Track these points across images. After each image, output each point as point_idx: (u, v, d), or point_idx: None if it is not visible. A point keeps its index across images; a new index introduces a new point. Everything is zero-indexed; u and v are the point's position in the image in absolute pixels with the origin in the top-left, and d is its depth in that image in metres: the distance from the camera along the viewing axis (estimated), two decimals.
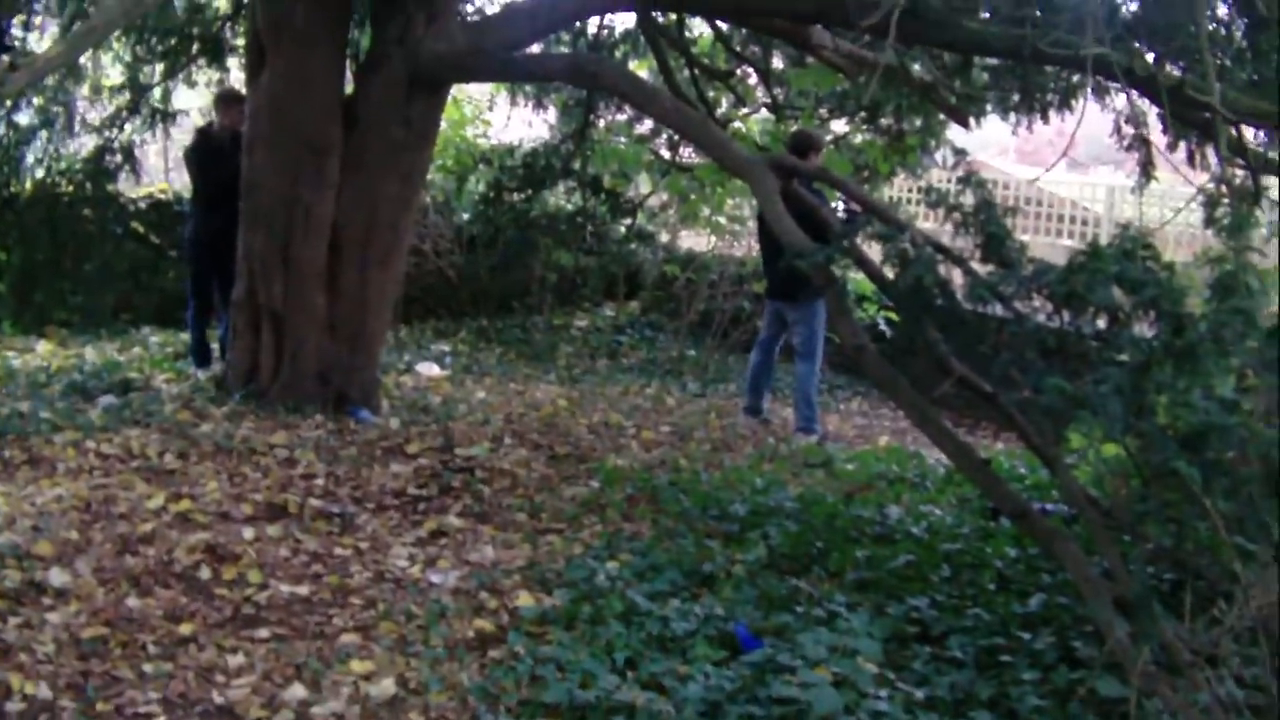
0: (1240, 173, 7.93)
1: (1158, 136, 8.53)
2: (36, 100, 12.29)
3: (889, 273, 5.57)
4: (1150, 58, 6.93)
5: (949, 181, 6.19)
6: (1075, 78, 9.66)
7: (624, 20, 13.14)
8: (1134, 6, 7.41)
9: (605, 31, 13.26)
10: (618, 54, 13.35)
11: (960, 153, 12.64)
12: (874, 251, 5.91)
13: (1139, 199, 9.10)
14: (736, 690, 4.72)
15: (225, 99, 10.21)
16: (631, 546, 6.63)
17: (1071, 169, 19.08)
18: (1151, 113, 8.38)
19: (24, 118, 12.44)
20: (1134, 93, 7.70)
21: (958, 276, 5.46)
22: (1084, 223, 20.02)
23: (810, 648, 4.91)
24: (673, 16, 12.25)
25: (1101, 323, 4.84)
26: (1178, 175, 9.22)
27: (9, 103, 11.11)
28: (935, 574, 6.23)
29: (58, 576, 5.55)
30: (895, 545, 6.68)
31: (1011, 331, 4.96)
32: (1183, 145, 8.47)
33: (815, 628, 5.26)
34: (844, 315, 5.99)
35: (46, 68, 7.21)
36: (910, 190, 18.64)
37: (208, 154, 10.09)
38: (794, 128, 12.52)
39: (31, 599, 5.36)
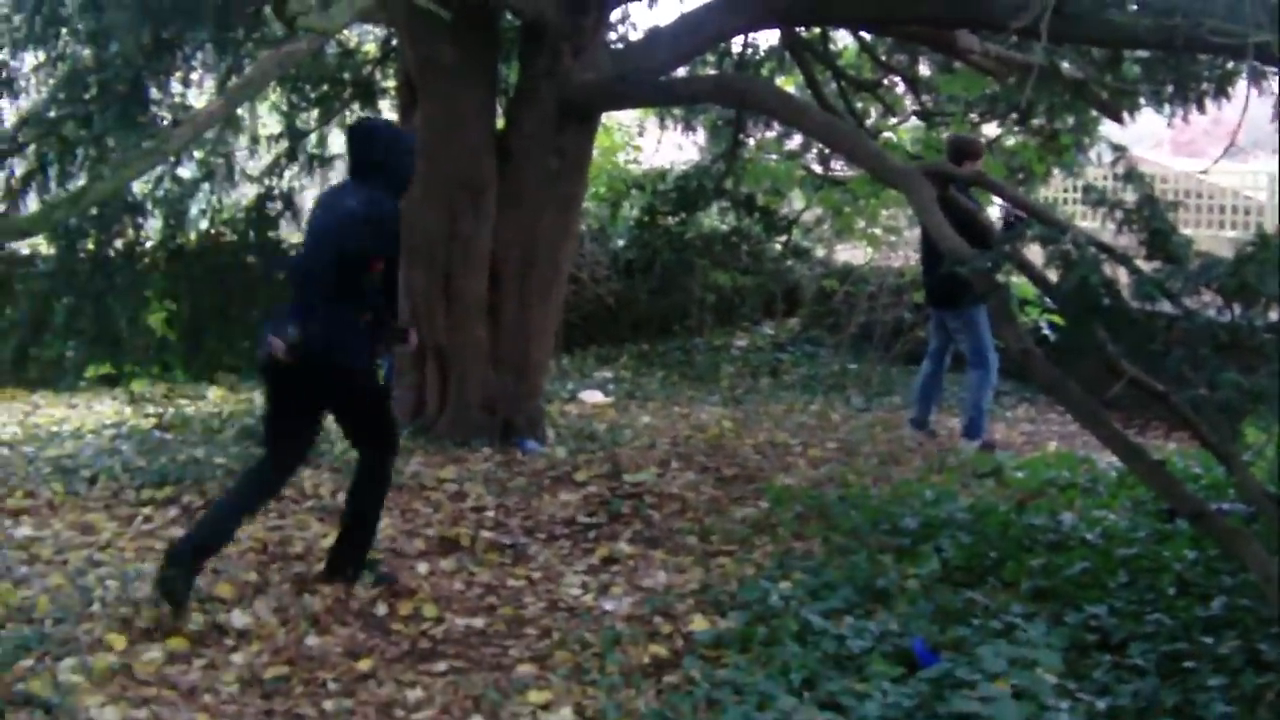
0: None
1: None
2: (198, 154, 12.60)
3: (1052, 275, 5.49)
4: None
5: (1107, 179, 6.08)
6: (1230, 64, 9.46)
7: (768, 38, 13.12)
8: None
9: (750, 50, 13.24)
10: (764, 71, 13.33)
11: (1118, 149, 12.42)
12: (1035, 254, 5.84)
13: None
14: (915, 707, 4.66)
15: None
16: (803, 565, 6.58)
17: (1231, 157, 18.74)
18: None
19: (187, 171, 12.75)
20: None
21: (1123, 275, 5.36)
22: (1246, 212, 19.61)
23: (989, 660, 4.84)
24: (816, 30, 12.22)
25: (1275, 314, 4.73)
26: None
27: (173, 158, 11.38)
28: (1113, 580, 6.11)
29: (239, 618, 5.65)
30: (1070, 552, 6.56)
31: (1183, 328, 4.86)
32: None
33: (993, 640, 5.18)
34: (1008, 320, 5.91)
35: (208, 122, 7.42)
36: (1068, 190, 18.37)
37: None
38: (947, 134, 12.42)
39: (214, 640, 5.45)
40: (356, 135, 6.26)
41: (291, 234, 14.09)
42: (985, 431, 10.29)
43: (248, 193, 13.60)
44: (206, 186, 12.90)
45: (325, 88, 12.82)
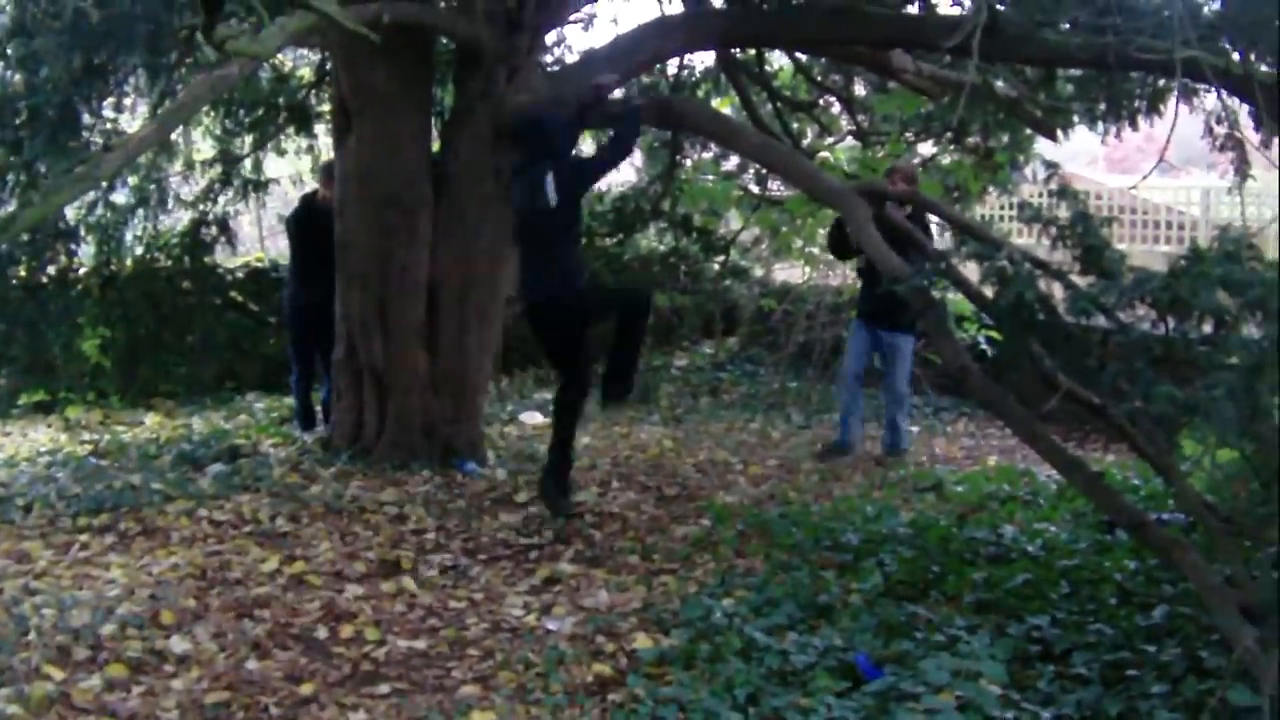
0: None
1: (1250, 134, 8.40)
2: (132, 180, 12.50)
3: (988, 291, 5.52)
4: (1236, 56, 6.85)
5: (1041, 196, 6.14)
6: (1161, 82, 9.55)
7: (704, 59, 13.17)
8: (1216, 5, 7.32)
9: (685, 71, 13.29)
10: (700, 92, 13.37)
11: (1051, 166, 12.50)
12: (971, 271, 5.87)
13: (1240, 199, 8.94)
14: None
15: (329, 169, 10.25)
16: (746, 582, 6.59)
17: (1163, 173, 18.92)
18: (1242, 111, 8.26)
19: (121, 197, 12.65)
20: (1224, 92, 7.60)
21: (1058, 291, 5.40)
22: (1180, 227, 19.78)
23: (933, 673, 4.86)
24: (751, 51, 12.27)
25: (1208, 327, 4.77)
26: (1270, 173, 9.08)
27: (106, 184, 11.29)
28: (1054, 591, 6.15)
29: (178, 644, 5.60)
30: (1012, 565, 6.60)
31: (1118, 342, 4.90)
32: (1276, 141, 8.34)
33: (936, 653, 5.20)
34: (946, 337, 5.95)
35: (140, 147, 7.33)
36: (1003, 207, 18.50)
37: (311, 221, 10.17)
38: (883, 155, 12.51)
39: (153, 667, 5.41)
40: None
41: (227, 258, 14.03)
42: (907, 444, 10.44)
43: (182, 218, 13.52)
44: (141, 212, 12.79)
45: (259, 112, 12.76)
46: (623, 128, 8.16)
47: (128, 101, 11.21)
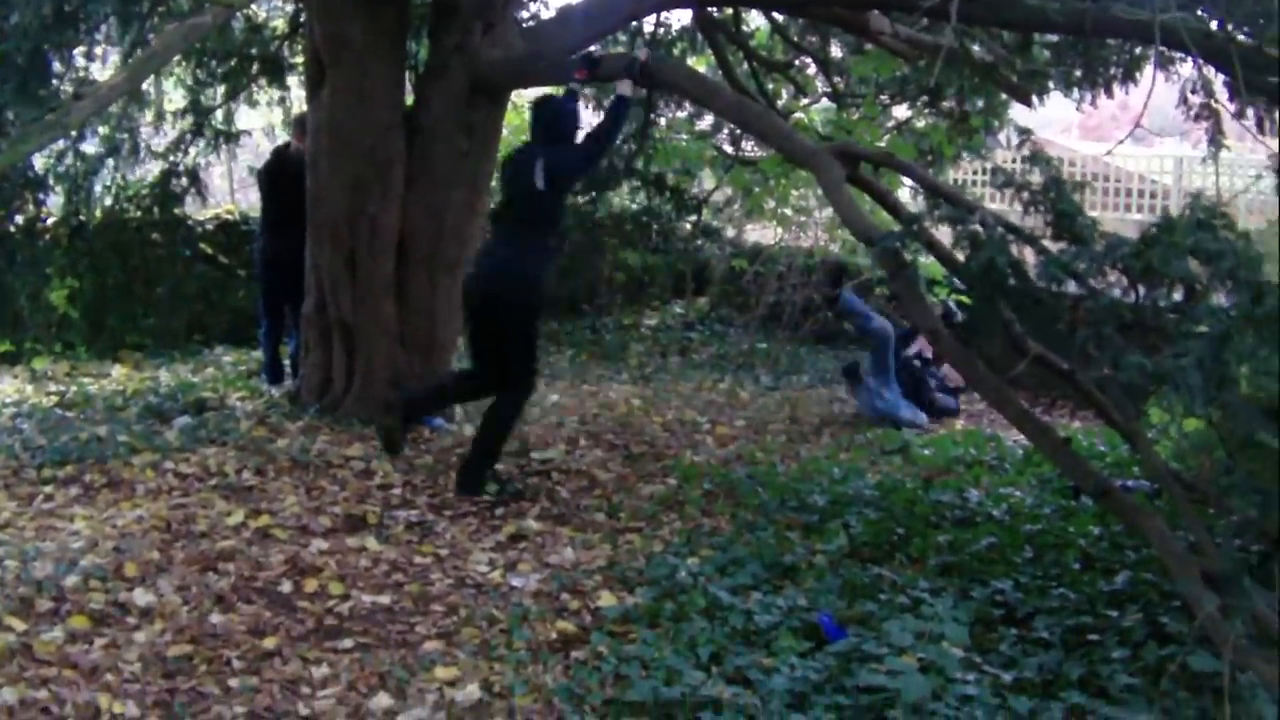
0: None
1: (1225, 104, 8.41)
2: (102, 129, 12.39)
3: (960, 255, 5.52)
4: (1214, 25, 6.83)
5: (1015, 161, 6.13)
6: (1138, 50, 9.55)
7: (680, 17, 13.10)
8: None
9: (661, 30, 13.21)
10: (675, 51, 13.30)
11: (1025, 132, 12.49)
12: (943, 235, 5.86)
13: (1214, 169, 8.94)
14: (823, 680, 4.69)
15: (302, 122, 10.18)
16: (711, 541, 6.60)
17: (1137, 142, 18.95)
18: (1217, 81, 8.26)
19: (91, 147, 12.55)
20: (1200, 61, 7.59)
21: (1029, 256, 5.40)
22: (1152, 195, 19.85)
23: (896, 635, 4.87)
24: (729, 11, 12.21)
25: (1178, 295, 4.77)
26: (1244, 144, 9.09)
27: (75, 133, 11.20)
28: (1018, 556, 6.18)
29: (142, 596, 5.58)
30: (977, 529, 6.63)
31: (1088, 308, 4.89)
32: (1250, 112, 8.35)
33: (900, 615, 5.22)
34: (916, 300, 5.94)
35: (110, 96, 7.29)
36: (977, 172, 18.52)
37: (282, 173, 10.11)
38: (857, 116, 12.50)
39: (117, 619, 5.39)
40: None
41: (197, 210, 13.93)
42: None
43: (152, 169, 13.40)
44: (110, 162, 12.67)
45: (232, 63, 12.64)
46: (605, 122, 7.84)
47: (99, 50, 11.12)
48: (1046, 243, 5.37)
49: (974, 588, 5.71)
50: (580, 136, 7.82)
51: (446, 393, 8.26)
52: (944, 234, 5.77)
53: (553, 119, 7.71)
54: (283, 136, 12.78)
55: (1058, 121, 25.24)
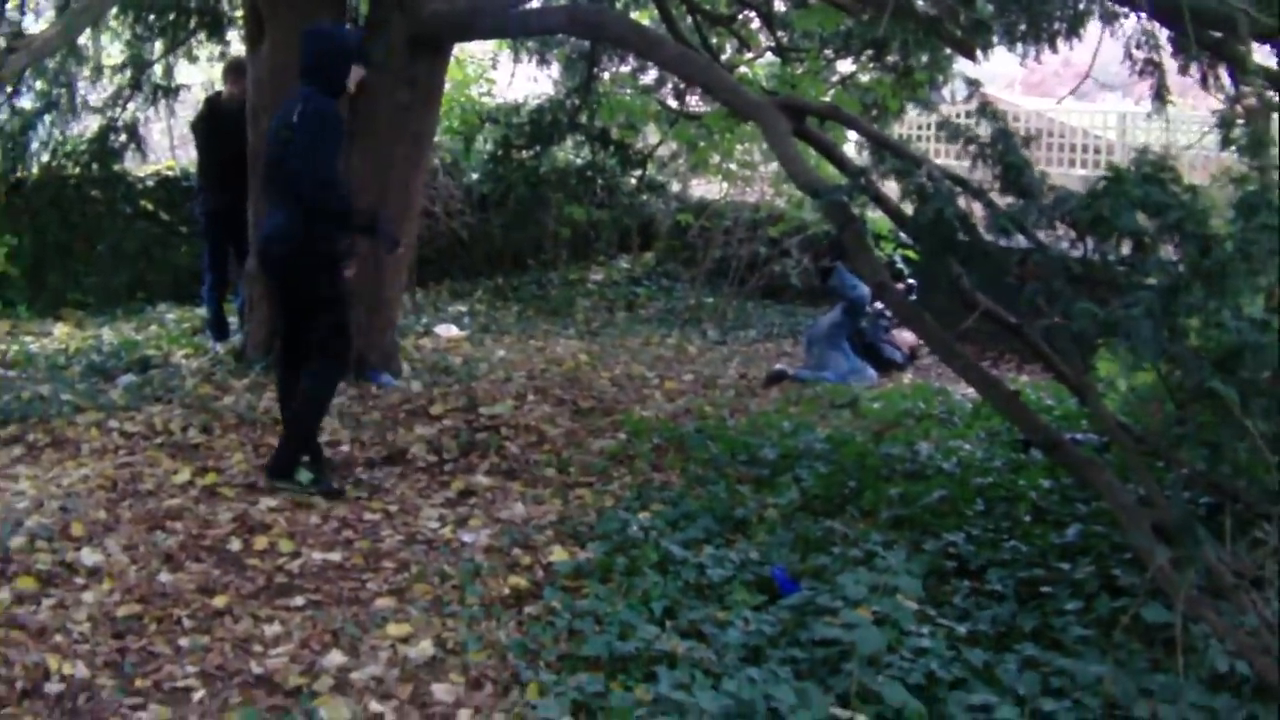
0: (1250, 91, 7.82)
1: (1168, 61, 8.43)
2: (39, 84, 12.26)
3: (907, 209, 5.51)
4: None
5: (961, 116, 6.12)
6: (1082, 4, 9.56)
7: None
8: None
9: None
10: (618, 4, 13.24)
11: (974, 83, 12.48)
12: (891, 189, 5.86)
13: (1162, 124, 8.98)
14: (777, 634, 4.70)
15: (234, 69, 10.08)
16: (662, 496, 6.61)
17: (1080, 98, 19.08)
18: (1162, 35, 8.28)
19: (27, 102, 12.41)
20: (1144, 16, 7.60)
21: (978, 210, 5.40)
22: (1096, 151, 19.91)
23: (849, 588, 4.87)
24: None
25: (1126, 248, 4.78)
26: (1185, 100, 9.13)
27: (10, 87, 11.07)
28: (970, 509, 6.21)
29: (89, 556, 5.54)
30: (928, 482, 6.65)
31: (1037, 261, 4.90)
32: (1194, 68, 8.37)
33: (853, 567, 5.22)
34: (864, 253, 5.93)
35: (45, 48, 7.16)
36: (922, 127, 18.55)
37: (217, 124, 10.02)
38: (802, 71, 12.47)
39: (64, 580, 5.35)
40: (301, 39, 6.88)
41: (137, 166, 13.80)
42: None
43: (91, 124, 13.26)
44: (47, 118, 12.55)
45: (171, 16, 12.48)
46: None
47: (32, 2, 10.98)
48: (994, 196, 5.38)
49: (926, 541, 5.74)
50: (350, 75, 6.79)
51: (297, 416, 6.87)
52: (891, 189, 5.77)
53: (329, 60, 6.73)
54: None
55: (1001, 77, 25.35)
